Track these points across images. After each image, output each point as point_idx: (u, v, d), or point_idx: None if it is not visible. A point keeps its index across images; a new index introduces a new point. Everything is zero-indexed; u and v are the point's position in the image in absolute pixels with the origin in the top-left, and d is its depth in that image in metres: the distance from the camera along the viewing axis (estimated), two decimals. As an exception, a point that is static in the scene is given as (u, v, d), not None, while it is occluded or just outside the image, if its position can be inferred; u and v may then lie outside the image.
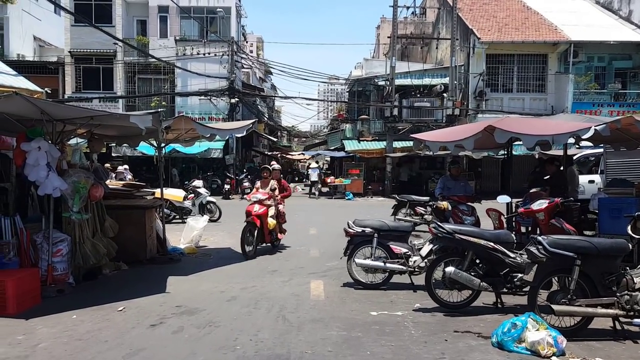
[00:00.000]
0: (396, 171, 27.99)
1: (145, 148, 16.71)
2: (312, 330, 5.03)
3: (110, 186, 9.10)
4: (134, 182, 10.37)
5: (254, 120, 12.57)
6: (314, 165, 29.00)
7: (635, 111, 19.22)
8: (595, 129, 7.10)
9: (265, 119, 43.46)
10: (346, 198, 25.41)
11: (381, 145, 27.25)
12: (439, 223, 5.88)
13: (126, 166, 19.44)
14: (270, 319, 5.41)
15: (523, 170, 20.06)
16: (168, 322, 5.30)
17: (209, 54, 28.09)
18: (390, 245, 6.92)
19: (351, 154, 29.08)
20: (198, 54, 28.16)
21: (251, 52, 62.92)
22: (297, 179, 43.20)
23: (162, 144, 9.34)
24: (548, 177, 8.78)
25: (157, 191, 14.57)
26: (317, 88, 79.14)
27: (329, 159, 35.06)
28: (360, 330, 5.03)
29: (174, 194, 14.65)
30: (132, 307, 5.89)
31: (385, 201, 22.50)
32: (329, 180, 28.01)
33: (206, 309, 5.77)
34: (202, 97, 27.98)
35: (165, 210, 14.36)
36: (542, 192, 8.16)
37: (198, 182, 16.15)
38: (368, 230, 7.00)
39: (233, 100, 27.86)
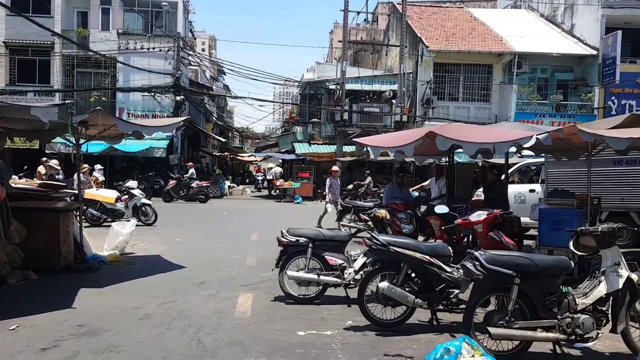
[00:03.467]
0: (347, 175, 27.78)
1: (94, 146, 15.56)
2: (227, 355, 4.48)
3: (21, 186, 8.23)
4: (51, 182, 9.45)
5: (185, 118, 11.90)
6: (275, 168, 29.03)
7: (576, 122, 19.63)
8: (537, 138, 6.94)
9: (214, 118, 42.44)
10: (295, 202, 24.97)
11: (332, 149, 27.05)
12: (373, 234, 5.48)
13: (99, 165, 17.78)
14: (182, 342, 4.82)
15: (469, 177, 20.19)
16: (63, 346, 4.62)
17: (153, 49, 26.94)
18: (326, 256, 6.47)
19: (302, 157, 28.71)
20: (142, 48, 26.94)
21: (203, 50, 61.64)
22: (247, 180, 42.36)
23: (82, 141, 8.53)
24: (486, 186, 8.61)
25: (90, 191, 13.76)
26: (273, 90, 78.37)
27: (281, 161, 34.59)
28: (283, 354, 4.53)
29: (106, 195, 13.70)
30: (27, 325, 5.16)
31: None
32: (277, 183, 27.50)
33: (112, 329, 5.11)
34: (146, 94, 26.83)
35: (94, 212, 13.50)
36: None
37: (132, 183, 15.23)
38: (302, 240, 6.52)
39: (178, 98, 26.90)
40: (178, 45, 27.09)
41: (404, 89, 25.69)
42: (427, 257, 5.21)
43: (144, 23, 28.02)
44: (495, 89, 25.55)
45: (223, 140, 43.80)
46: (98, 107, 7.34)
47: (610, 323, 4.43)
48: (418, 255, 5.21)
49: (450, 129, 7.84)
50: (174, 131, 8.83)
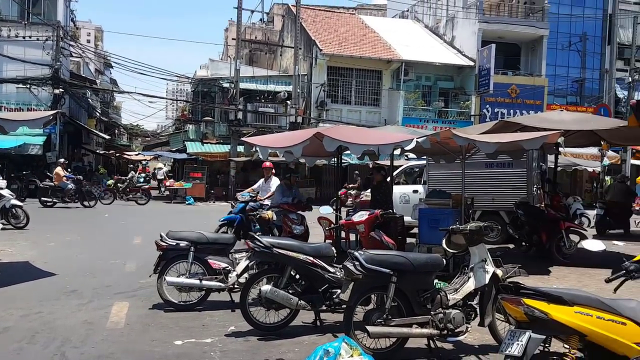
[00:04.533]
0: (242, 176, 27.37)
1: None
2: (93, 370, 4.12)
3: None
4: None
5: (54, 112, 10.98)
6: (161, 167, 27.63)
7: (453, 127, 21.00)
8: (417, 141, 7.24)
9: (98, 114, 39.78)
10: (186, 203, 24.05)
11: (225, 148, 26.49)
12: (256, 236, 5.35)
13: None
14: (44, 357, 4.35)
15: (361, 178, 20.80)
16: None
17: (30, 37, 24.61)
18: (209, 260, 6.22)
19: (194, 157, 27.81)
20: (17, 36, 24.49)
21: (88, 41, 57.70)
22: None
23: None
24: (374, 186, 8.87)
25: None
26: (166, 87, 74.95)
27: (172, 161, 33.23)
28: (156, 366, 4.26)
29: (-31, 196, 12.19)
30: None
31: (227, 206, 21.68)
32: (167, 184, 26.36)
33: (-42, 348, 4.50)
34: (21, 85, 24.47)
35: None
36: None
37: (1, 183, 13.75)
38: (183, 243, 6.21)
39: (57, 91, 24.80)
40: (58, 35, 24.99)
41: (298, 91, 25.91)
42: (311, 259, 5.19)
43: (20, 9, 25.56)
44: (384, 94, 26.65)
45: (107, 137, 41.20)
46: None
47: (479, 317, 4.69)
48: (302, 256, 5.16)
49: (338, 131, 7.96)
50: (42, 126, 8.01)
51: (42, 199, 18.87)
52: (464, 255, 5.14)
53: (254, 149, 8.37)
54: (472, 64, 26.71)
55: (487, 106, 26.71)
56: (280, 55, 31.07)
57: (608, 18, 29.38)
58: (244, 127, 25.76)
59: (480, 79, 26.28)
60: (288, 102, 26.21)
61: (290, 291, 5.15)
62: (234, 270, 6.02)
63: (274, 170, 11.01)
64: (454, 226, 5.05)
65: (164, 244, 6.18)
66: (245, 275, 5.72)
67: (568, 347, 2.98)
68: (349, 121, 24.75)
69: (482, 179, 11.41)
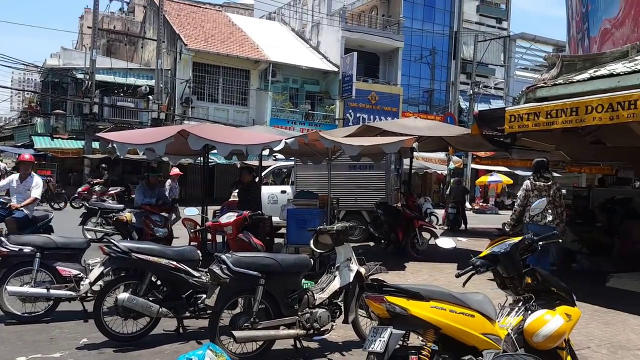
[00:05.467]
0: (96, 174, 25.31)
1: None
2: None
3: None
4: None
5: None
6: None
7: (319, 130, 21.56)
8: (285, 142, 7.28)
9: None
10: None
11: (79, 144, 24.33)
12: (112, 240, 4.94)
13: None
14: None
15: (229, 179, 20.52)
16: None
17: None
18: (57, 267, 5.62)
19: (42, 153, 25.12)
20: None
21: None
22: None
23: None
24: (242, 187, 8.75)
25: None
26: (11, 76, 66.60)
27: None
28: (-10, 391, 3.72)
29: None
30: None
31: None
32: (5, 183, 23.48)
33: None
34: None
35: None
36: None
37: None
38: (27, 248, 5.55)
39: None
40: None
41: (161, 86, 24.71)
42: (174, 263, 4.93)
43: None
44: (252, 94, 26.54)
45: None
46: None
47: (343, 314, 4.82)
48: (164, 261, 4.88)
49: (204, 129, 7.71)
50: None
51: None
52: (329, 255, 5.26)
53: (110, 146, 7.75)
54: (336, 69, 27.74)
55: (350, 111, 27.95)
56: (142, 47, 29.40)
57: (453, 35, 32.43)
58: (100, 121, 23.92)
59: (344, 85, 27.41)
60: (150, 97, 24.87)
61: (150, 298, 4.84)
62: (86, 278, 5.50)
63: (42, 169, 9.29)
64: (322, 226, 5.13)
65: (4, 249, 5.47)
66: (100, 282, 5.25)
67: (424, 340, 3.15)
68: (216, 120, 24.24)
69: (347, 180, 11.88)
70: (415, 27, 30.73)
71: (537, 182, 7.45)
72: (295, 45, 29.75)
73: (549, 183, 7.45)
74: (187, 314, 4.98)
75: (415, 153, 13.25)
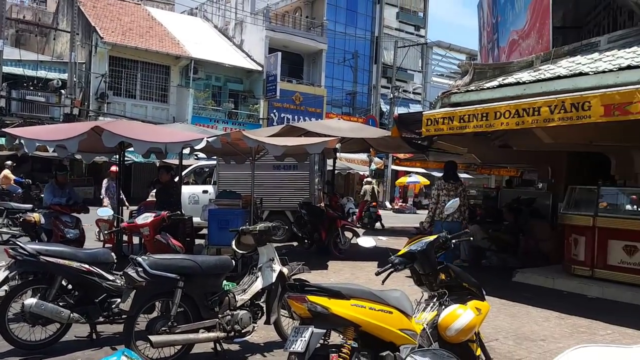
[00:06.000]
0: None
1: None
2: None
3: None
4: None
5: None
6: None
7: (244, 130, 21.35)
8: (207, 141, 7.14)
9: None
10: None
11: (-19, 140, 22.46)
12: (18, 242, 4.62)
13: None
14: None
15: (147, 178, 19.76)
16: None
17: None
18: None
19: None
20: None
21: None
22: None
23: None
24: (160, 187, 8.47)
25: None
26: None
27: None
28: None
29: None
30: None
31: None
32: None
33: None
34: None
35: None
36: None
37: None
38: None
39: None
40: None
41: (75, 80, 23.35)
42: (86, 266, 4.68)
43: None
44: (173, 90, 25.76)
45: None
46: None
47: (265, 315, 4.80)
48: (75, 264, 4.62)
49: (120, 125, 7.38)
50: None
51: None
52: (252, 255, 5.22)
53: (17, 142, 7.22)
54: (260, 68, 27.56)
55: (275, 111, 27.89)
56: (54, 39, 27.61)
57: (375, 40, 33.32)
58: (8, 116, 22.26)
59: (268, 84, 27.31)
60: (62, 91, 23.42)
61: (60, 303, 4.57)
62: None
63: None
64: (244, 227, 5.08)
65: None
66: (5, 287, 4.88)
67: (345, 338, 3.20)
68: (134, 116, 23.27)
69: (270, 180, 11.84)
70: (339, 30, 31.23)
71: (447, 183, 8.41)
72: (218, 43, 29.24)
73: (457, 184, 8.48)
74: (101, 319, 4.75)
75: (338, 154, 13.50)
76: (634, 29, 9.11)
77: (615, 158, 10.26)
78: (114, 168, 11.80)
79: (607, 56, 7.89)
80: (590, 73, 7.13)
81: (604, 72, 6.97)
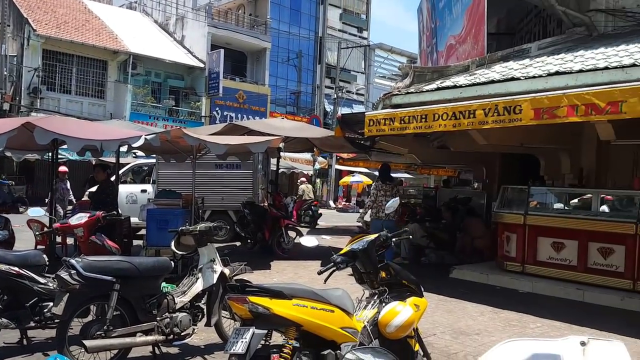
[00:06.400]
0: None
1: None
2: None
3: None
4: None
5: None
6: None
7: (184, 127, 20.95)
8: (145, 138, 6.95)
9: None
10: None
11: None
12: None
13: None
14: None
15: (82, 177, 18.92)
16: None
17: None
18: None
19: None
20: None
21: None
22: None
23: None
24: (96, 185, 8.17)
25: None
26: None
27: None
28: None
29: None
30: None
31: None
32: None
33: None
34: None
35: None
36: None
37: None
38: None
39: None
40: None
41: (5, 74, 22.07)
42: (16, 269, 4.46)
43: None
44: (110, 86, 24.80)
45: None
46: None
47: (206, 317, 4.73)
48: (3, 267, 4.39)
49: (53, 122, 7.05)
50: None
51: None
52: (192, 256, 5.12)
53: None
54: (202, 65, 27.05)
55: (217, 109, 27.46)
56: (-21, 28, 26.00)
57: (319, 40, 33.52)
58: None
59: (210, 82, 26.84)
60: (-10, 85, 22.12)
61: (-13, 309, 4.33)
62: None
63: None
64: (184, 227, 4.98)
65: None
66: None
67: (286, 338, 3.21)
68: (69, 112, 22.24)
69: (212, 179, 11.67)
70: (282, 29, 31.18)
71: (383, 185, 8.96)
72: (158, 38, 28.45)
73: (392, 184, 9.18)
74: (32, 324, 4.54)
75: (282, 153, 13.47)
76: (562, 37, 9.67)
77: (544, 159, 10.82)
78: (62, 168, 11.40)
79: (537, 62, 8.33)
80: (522, 78, 7.50)
81: (534, 77, 7.36)
